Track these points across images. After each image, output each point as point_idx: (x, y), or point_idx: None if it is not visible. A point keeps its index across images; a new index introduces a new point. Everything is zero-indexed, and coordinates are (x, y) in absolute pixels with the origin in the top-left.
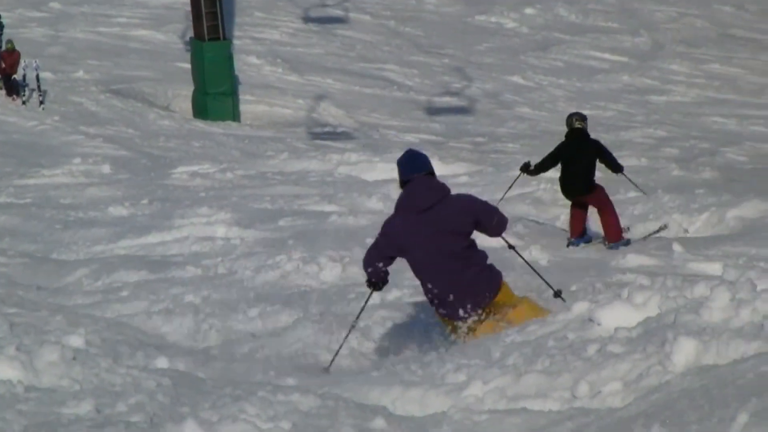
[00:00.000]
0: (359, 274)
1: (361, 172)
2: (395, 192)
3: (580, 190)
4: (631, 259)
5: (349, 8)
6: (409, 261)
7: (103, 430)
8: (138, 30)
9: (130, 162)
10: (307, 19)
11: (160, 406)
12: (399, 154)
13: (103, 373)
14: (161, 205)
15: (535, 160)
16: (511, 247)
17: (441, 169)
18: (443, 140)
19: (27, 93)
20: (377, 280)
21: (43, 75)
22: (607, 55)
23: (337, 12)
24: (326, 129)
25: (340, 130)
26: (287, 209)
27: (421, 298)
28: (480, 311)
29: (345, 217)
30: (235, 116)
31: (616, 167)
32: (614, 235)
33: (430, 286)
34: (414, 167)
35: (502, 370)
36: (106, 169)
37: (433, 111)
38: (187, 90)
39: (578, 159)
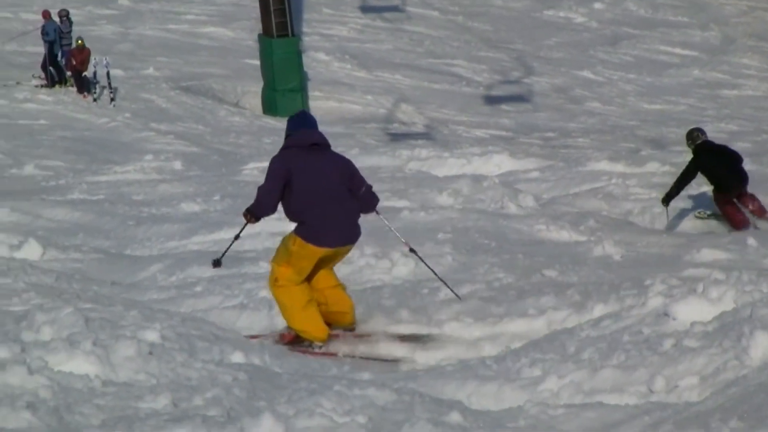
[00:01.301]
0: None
1: (431, 167)
2: (466, 187)
3: (743, 181)
4: (706, 253)
5: (418, 4)
6: (295, 188)
7: (181, 423)
8: (207, 27)
9: (201, 158)
10: (371, 13)
11: (236, 400)
12: (470, 149)
13: (179, 368)
14: (233, 201)
15: (605, 156)
16: (411, 250)
17: (511, 164)
18: (513, 135)
19: (98, 90)
20: (261, 216)
21: (113, 72)
22: (677, 50)
23: (405, 7)
24: (395, 125)
25: (410, 126)
26: None
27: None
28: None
29: (416, 213)
30: None
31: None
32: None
33: (318, 211)
34: (304, 123)
35: (577, 365)
36: (177, 165)
37: (503, 106)
38: (257, 86)
39: (724, 162)
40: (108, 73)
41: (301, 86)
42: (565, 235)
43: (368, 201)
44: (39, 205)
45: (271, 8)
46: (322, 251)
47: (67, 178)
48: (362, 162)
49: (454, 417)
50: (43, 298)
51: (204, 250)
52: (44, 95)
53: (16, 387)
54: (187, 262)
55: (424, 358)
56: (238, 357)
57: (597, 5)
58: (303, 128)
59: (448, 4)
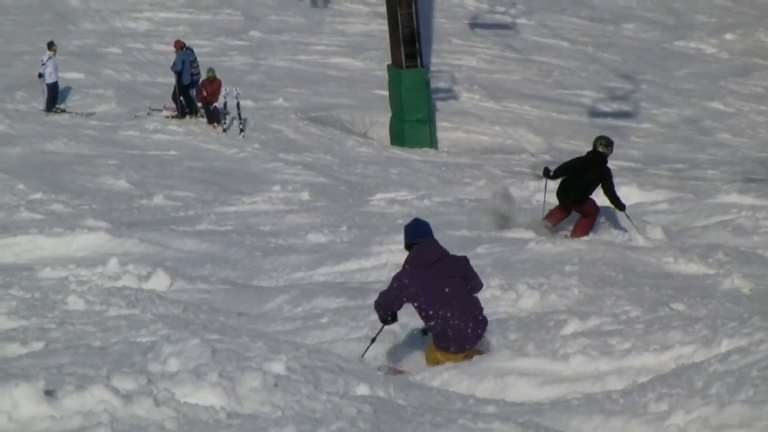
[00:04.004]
0: (558, 302)
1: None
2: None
3: (573, 200)
4: None
5: (547, 34)
6: (421, 303)
7: None
8: (336, 57)
9: (329, 189)
10: (481, 29)
11: None
12: None
13: (305, 400)
14: (359, 232)
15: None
16: None
17: (639, 196)
18: (641, 167)
19: (227, 121)
20: (392, 319)
21: (243, 103)
22: None
23: (534, 38)
24: (523, 156)
25: (537, 156)
26: (485, 236)
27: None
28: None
29: (543, 244)
30: (432, 143)
31: (617, 204)
32: (578, 234)
33: (449, 314)
34: (419, 233)
35: (704, 400)
36: (305, 196)
37: (631, 137)
38: (385, 117)
39: (584, 176)
40: (238, 104)
41: (429, 117)
42: (693, 267)
43: (478, 287)
44: (168, 235)
45: (401, 39)
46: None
47: (196, 208)
48: (489, 193)
49: None
50: (170, 330)
51: (330, 281)
52: (174, 126)
53: (143, 418)
54: (314, 293)
55: (549, 391)
56: (363, 389)
57: (728, 36)
58: (421, 239)
59: (578, 35)
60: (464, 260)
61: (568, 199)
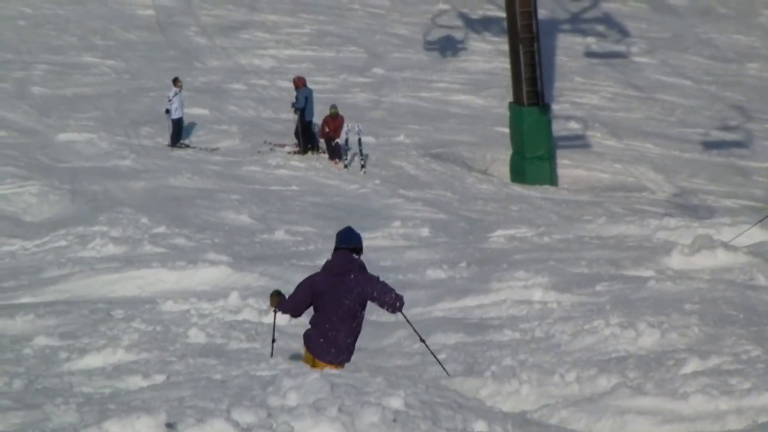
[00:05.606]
0: (678, 341)
1: (679, 237)
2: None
3: None
4: None
5: (670, 73)
6: (317, 304)
7: None
8: (458, 95)
9: (449, 225)
10: (596, 59)
11: None
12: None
13: None
14: (479, 269)
15: None
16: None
17: (762, 235)
18: (764, 206)
19: (349, 157)
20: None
21: (365, 139)
22: None
23: (657, 76)
24: (644, 194)
25: (657, 194)
26: (604, 274)
27: None
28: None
29: (663, 282)
30: (552, 180)
31: None
32: None
33: (327, 326)
34: (344, 241)
35: None
36: (425, 232)
37: (754, 176)
38: (505, 154)
39: None
40: (359, 140)
41: (550, 154)
42: None
43: (393, 307)
44: (288, 270)
45: (523, 77)
46: None
47: (317, 243)
48: (609, 231)
49: None
50: (290, 364)
51: (449, 317)
52: (296, 161)
53: None
54: (432, 328)
55: (668, 430)
56: (480, 426)
57: None
58: (342, 245)
59: (701, 74)
60: (370, 278)
61: None
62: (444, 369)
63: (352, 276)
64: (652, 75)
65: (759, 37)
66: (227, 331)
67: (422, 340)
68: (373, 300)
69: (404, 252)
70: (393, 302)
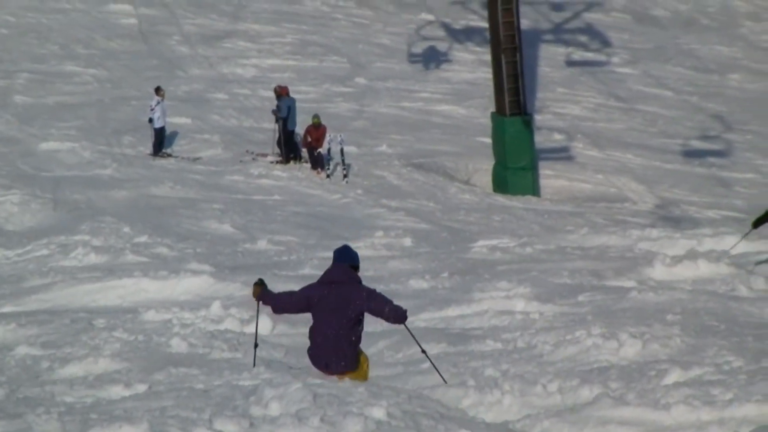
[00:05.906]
0: (660, 352)
1: (661, 247)
2: (696, 269)
3: None
4: None
5: (652, 84)
6: (313, 314)
7: None
8: (440, 105)
9: (431, 235)
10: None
11: None
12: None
13: None
14: (461, 279)
15: None
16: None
17: (743, 246)
18: (746, 217)
19: (331, 167)
20: (267, 303)
21: (347, 149)
22: None
23: (639, 87)
24: (626, 204)
25: (639, 205)
26: (586, 284)
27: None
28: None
29: (645, 293)
30: (534, 191)
31: None
32: None
33: (318, 339)
34: (340, 258)
35: None
36: (407, 242)
37: (735, 187)
38: (488, 164)
39: None
40: (342, 150)
41: (532, 165)
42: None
43: (395, 318)
44: (271, 279)
45: (505, 87)
46: None
47: (299, 253)
48: (591, 241)
49: None
50: (272, 373)
51: (431, 327)
52: (279, 171)
53: None
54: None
55: None
56: None
57: None
58: (338, 262)
59: (683, 85)
60: (368, 290)
61: None
62: (442, 377)
63: (349, 287)
64: (634, 86)
65: (741, 48)
66: (209, 340)
67: (423, 351)
68: (371, 311)
69: (387, 262)
70: (395, 313)
